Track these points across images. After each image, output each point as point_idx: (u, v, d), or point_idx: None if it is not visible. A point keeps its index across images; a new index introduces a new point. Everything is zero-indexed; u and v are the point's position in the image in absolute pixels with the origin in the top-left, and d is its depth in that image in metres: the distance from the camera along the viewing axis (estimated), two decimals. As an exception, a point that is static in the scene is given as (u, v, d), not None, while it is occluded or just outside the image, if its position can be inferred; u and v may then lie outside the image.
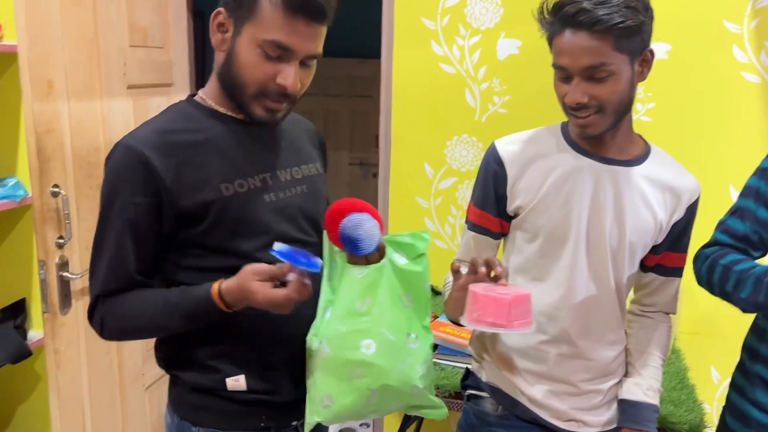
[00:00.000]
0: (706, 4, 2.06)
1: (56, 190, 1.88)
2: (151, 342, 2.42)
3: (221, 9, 1.13)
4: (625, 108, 1.26)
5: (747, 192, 1.39)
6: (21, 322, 2.15)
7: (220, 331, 1.20)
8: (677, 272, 1.42)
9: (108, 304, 1.20)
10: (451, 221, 2.43)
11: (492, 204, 1.39)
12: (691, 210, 1.36)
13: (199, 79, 2.77)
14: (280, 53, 1.10)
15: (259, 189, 1.20)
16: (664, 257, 1.39)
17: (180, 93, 2.49)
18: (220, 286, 1.11)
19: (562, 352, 1.34)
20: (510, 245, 1.42)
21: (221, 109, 1.21)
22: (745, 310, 1.34)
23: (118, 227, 1.17)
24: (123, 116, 2.16)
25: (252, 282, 1.07)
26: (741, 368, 1.43)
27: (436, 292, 2.39)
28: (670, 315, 1.46)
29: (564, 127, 1.37)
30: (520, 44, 2.22)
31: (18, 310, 2.14)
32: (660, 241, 1.37)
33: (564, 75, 1.22)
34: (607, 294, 1.34)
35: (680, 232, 1.37)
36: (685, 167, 1.38)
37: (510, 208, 1.38)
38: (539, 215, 1.33)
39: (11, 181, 2.00)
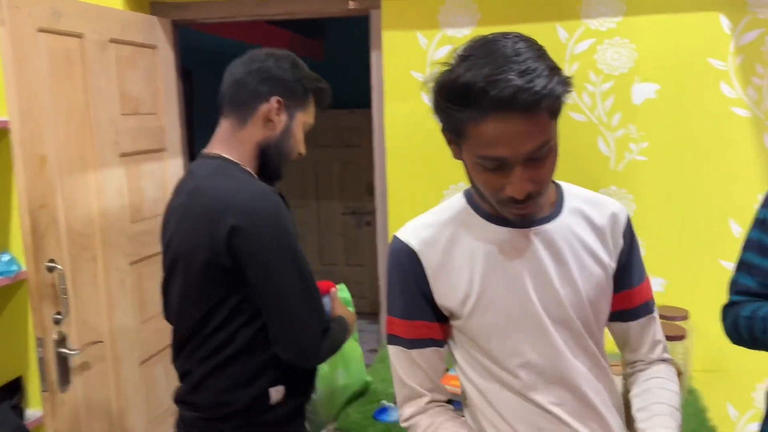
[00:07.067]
0: (690, 43, 2.10)
1: (52, 265, 1.85)
2: (153, 413, 2.35)
3: (281, 99, 1.46)
4: None
5: (749, 245, 1.36)
6: (18, 402, 2.08)
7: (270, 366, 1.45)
8: (646, 308, 1.22)
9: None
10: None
11: (425, 308, 1.16)
12: (628, 235, 1.19)
13: (191, 140, 2.77)
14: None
15: None
16: (622, 299, 1.20)
17: (173, 157, 2.48)
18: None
19: None
20: (457, 352, 1.20)
21: (251, 170, 1.49)
22: None
23: None
24: (116, 185, 2.15)
25: None
26: None
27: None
28: (669, 361, 1.25)
29: (470, 199, 1.17)
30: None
31: (14, 389, 2.08)
32: (612, 281, 1.19)
33: (495, 166, 1.00)
34: (598, 366, 1.16)
35: (626, 263, 1.19)
36: (599, 193, 1.22)
37: (441, 308, 1.16)
38: (484, 313, 1.12)
39: (4, 257, 1.97)
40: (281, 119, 1.47)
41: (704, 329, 2.17)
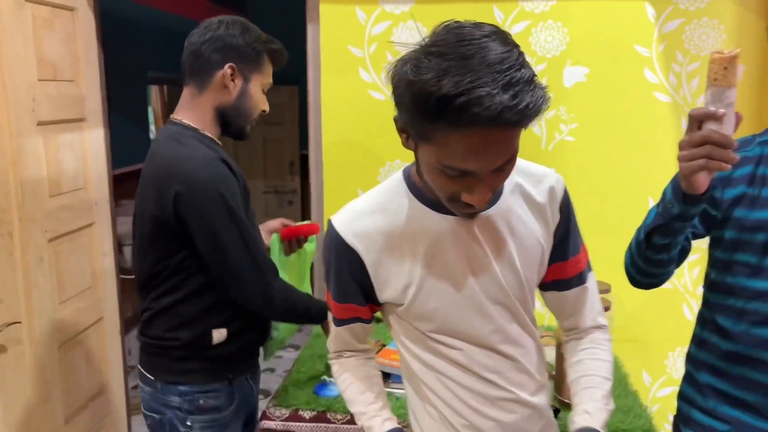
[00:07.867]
0: (618, 30, 2.19)
1: (-36, 241, 1.70)
2: (73, 399, 2.23)
3: (233, 65, 1.57)
4: None
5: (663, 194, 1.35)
6: None
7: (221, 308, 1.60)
8: (581, 278, 1.24)
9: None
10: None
11: (357, 294, 1.18)
12: (564, 206, 1.19)
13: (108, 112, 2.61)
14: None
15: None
16: (558, 270, 1.22)
17: (93, 128, 2.34)
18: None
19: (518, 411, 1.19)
20: (398, 327, 1.22)
21: (209, 134, 1.61)
22: (653, 232, 1.28)
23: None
24: (34, 156, 2.00)
25: None
26: (689, 380, 1.45)
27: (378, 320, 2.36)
28: (603, 327, 1.28)
29: (411, 185, 1.14)
30: (447, 70, 2.26)
31: None
32: (548, 255, 1.21)
33: (458, 175, 0.96)
34: (529, 333, 1.20)
35: (563, 235, 1.20)
36: (537, 164, 1.20)
37: (381, 298, 1.17)
38: (426, 300, 1.13)
39: None
40: (236, 84, 1.59)
41: (623, 302, 2.30)
